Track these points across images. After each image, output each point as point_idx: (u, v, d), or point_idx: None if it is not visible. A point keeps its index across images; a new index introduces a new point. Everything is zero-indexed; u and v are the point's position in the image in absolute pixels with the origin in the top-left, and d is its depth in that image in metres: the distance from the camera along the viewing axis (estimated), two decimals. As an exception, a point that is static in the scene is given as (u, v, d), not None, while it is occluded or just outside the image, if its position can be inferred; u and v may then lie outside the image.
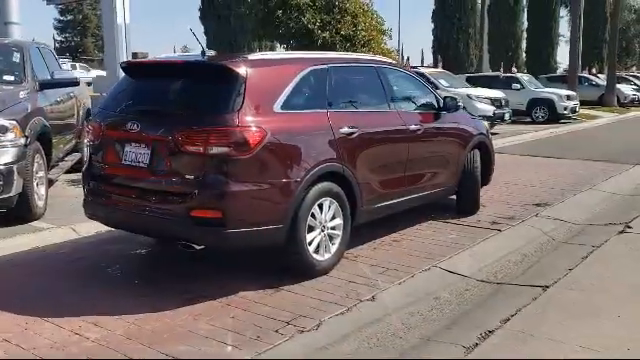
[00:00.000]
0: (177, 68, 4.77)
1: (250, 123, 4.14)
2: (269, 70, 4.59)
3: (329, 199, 4.68)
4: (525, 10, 30.48)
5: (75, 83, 7.13)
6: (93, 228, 6.00)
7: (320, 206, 4.61)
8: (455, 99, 6.35)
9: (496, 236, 5.92)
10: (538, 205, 7.31)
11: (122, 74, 5.02)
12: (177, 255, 5.32)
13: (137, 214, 4.36)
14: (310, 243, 4.55)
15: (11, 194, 5.75)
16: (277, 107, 4.41)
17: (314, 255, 4.59)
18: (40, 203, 6.35)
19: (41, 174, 6.46)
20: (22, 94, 6.46)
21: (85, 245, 5.58)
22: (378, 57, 5.98)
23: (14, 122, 5.81)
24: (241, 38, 15.70)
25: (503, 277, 4.85)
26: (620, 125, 20.76)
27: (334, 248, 4.78)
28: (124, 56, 15.02)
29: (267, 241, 4.32)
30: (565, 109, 20.27)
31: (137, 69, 5.03)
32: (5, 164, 5.67)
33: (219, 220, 4.06)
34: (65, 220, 6.28)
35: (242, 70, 4.27)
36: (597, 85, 28.89)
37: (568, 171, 10.01)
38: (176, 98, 4.42)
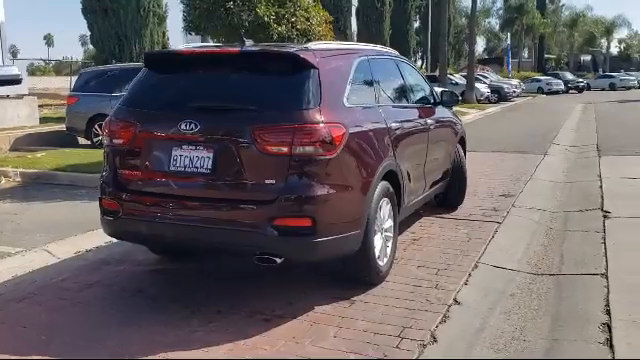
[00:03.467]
0: (231, 58, 4.06)
1: (332, 119, 3.70)
2: (333, 61, 4.13)
3: (386, 199, 4.36)
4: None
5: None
6: (70, 249, 5.20)
7: (380, 207, 4.29)
8: (455, 93, 6.29)
9: (500, 228, 5.95)
10: (505, 196, 7.51)
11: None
12: (197, 271, 4.73)
13: (197, 228, 3.71)
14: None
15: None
16: (346, 101, 4.01)
17: (377, 261, 4.26)
18: (-8, 223, 5.31)
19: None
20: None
21: (80, 269, 4.72)
22: (389, 49, 5.71)
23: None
24: (131, 32, 14.30)
25: (548, 268, 4.84)
26: (491, 119, 22.36)
27: (389, 251, 4.47)
28: (1, 56, 13.34)
29: (347, 249, 3.89)
30: (443, 106, 21.31)
31: (172, 61, 4.25)
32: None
33: (308, 228, 3.57)
34: (27, 241, 5.39)
35: (314, 60, 3.80)
36: (457, 84, 30.94)
37: (495, 163, 10.46)
38: (241, 93, 3.76)
